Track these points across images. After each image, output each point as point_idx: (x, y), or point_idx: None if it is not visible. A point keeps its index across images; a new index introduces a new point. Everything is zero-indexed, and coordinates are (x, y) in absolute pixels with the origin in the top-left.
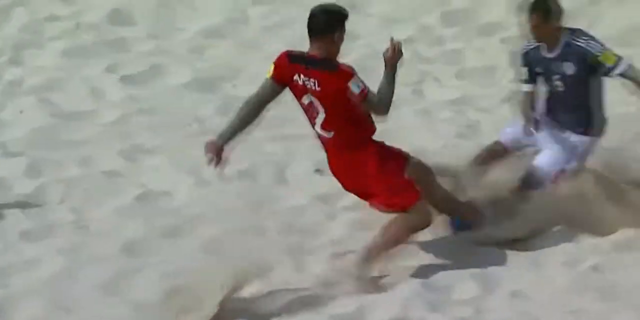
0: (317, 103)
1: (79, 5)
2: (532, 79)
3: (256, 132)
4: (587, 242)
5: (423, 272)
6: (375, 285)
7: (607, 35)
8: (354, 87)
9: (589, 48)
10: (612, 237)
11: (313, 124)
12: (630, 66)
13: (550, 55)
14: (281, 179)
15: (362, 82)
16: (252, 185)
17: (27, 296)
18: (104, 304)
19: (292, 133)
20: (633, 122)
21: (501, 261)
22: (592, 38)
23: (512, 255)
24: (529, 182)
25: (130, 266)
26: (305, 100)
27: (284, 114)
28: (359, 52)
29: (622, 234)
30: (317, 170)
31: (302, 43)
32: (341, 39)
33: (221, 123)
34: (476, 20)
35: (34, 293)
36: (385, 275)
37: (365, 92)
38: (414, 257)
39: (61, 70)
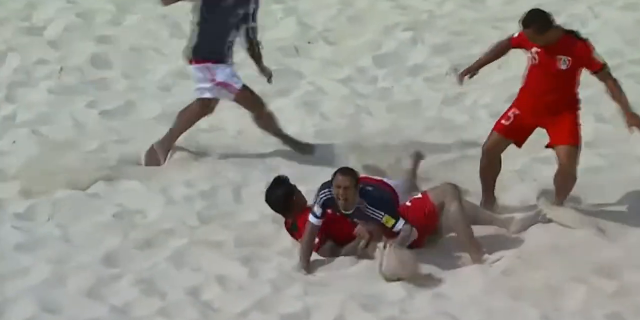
0: None
1: (64, 50)
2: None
3: (216, 159)
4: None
5: (359, 279)
6: None
7: None
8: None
9: (375, 216)
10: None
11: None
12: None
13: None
14: (237, 198)
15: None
16: (212, 204)
17: (20, 300)
18: (86, 307)
19: (246, 160)
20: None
21: (424, 268)
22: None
23: (433, 263)
24: None
25: (109, 274)
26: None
27: (238, 144)
28: (304, 89)
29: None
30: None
31: (253, 82)
32: (297, 198)
33: (184, 149)
34: (403, 63)
35: (26, 297)
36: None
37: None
38: (350, 266)
39: (49, 106)
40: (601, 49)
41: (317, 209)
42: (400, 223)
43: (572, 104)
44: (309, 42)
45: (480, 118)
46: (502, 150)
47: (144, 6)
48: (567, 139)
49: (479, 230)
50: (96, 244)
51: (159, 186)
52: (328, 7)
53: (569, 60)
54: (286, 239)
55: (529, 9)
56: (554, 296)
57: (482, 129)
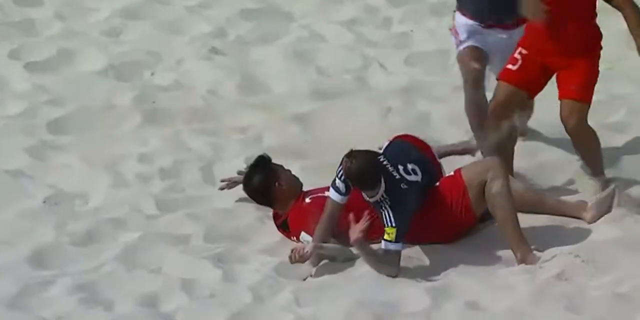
0: None
1: None
2: None
3: (179, 126)
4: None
5: (371, 282)
6: None
7: None
8: (302, 238)
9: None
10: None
11: None
12: None
13: None
14: (208, 178)
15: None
16: (175, 185)
17: None
18: None
19: (219, 127)
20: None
21: (454, 270)
22: None
23: (466, 263)
24: None
25: (39, 278)
26: None
27: (208, 107)
28: (295, 35)
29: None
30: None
31: (228, 25)
32: (283, 183)
33: (138, 114)
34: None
35: None
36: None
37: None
38: (359, 266)
39: None
40: None
41: (339, 183)
42: (394, 246)
43: (588, 42)
44: None
45: None
46: (516, 107)
47: None
48: (573, 92)
49: (527, 220)
50: (22, 239)
51: (104, 162)
52: None
53: None
54: (271, 232)
55: None
56: (625, 307)
57: None
